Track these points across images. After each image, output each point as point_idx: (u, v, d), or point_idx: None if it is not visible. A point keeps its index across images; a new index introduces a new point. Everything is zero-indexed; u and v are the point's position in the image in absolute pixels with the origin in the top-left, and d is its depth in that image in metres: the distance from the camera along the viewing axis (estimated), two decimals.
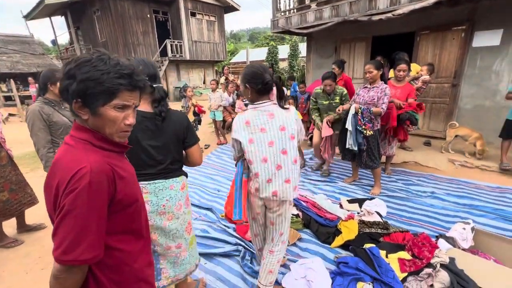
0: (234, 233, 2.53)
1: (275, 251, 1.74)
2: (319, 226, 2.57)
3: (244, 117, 1.57)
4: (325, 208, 2.77)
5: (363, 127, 3.07)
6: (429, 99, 4.95)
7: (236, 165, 1.69)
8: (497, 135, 3.73)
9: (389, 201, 3.12)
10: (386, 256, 2.04)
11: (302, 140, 1.73)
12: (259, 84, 1.51)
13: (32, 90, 9.60)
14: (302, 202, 2.87)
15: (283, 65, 19.48)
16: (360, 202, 3.07)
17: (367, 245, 2.20)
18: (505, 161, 3.61)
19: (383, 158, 4.03)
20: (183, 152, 1.54)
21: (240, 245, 2.37)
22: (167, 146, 1.41)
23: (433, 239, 2.22)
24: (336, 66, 4.34)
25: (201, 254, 2.30)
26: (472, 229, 2.20)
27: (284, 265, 2.14)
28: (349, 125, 3.14)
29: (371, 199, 3.13)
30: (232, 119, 6.20)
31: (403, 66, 3.50)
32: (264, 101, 1.55)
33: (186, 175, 1.61)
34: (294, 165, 1.60)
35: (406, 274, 1.88)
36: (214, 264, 2.21)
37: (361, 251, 2.09)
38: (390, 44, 6.01)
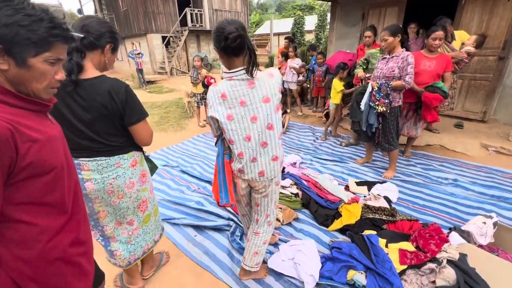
0: (229, 208, 2.45)
1: (260, 233, 1.63)
2: (319, 207, 2.40)
3: (219, 89, 1.31)
4: (327, 189, 2.58)
5: (376, 103, 2.72)
6: (467, 75, 4.30)
7: (216, 144, 1.52)
8: None
9: (403, 186, 2.84)
10: (386, 246, 1.85)
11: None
12: (221, 40, 1.19)
13: None
14: (303, 181, 2.70)
15: (310, 37, 18.26)
16: (370, 185, 2.82)
17: (366, 232, 2.02)
18: None
19: (404, 139, 3.65)
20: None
21: (233, 220, 2.30)
22: (98, 121, 1.23)
23: (445, 232, 1.97)
24: (371, 31, 3.89)
25: (192, 226, 2.28)
26: (495, 224, 1.91)
27: (275, 244, 2.04)
28: (362, 105, 2.80)
29: (382, 182, 2.87)
30: None
31: (439, 33, 2.94)
32: (241, 68, 1.26)
33: (141, 150, 1.46)
34: (279, 140, 1.42)
35: (405, 266, 1.69)
36: (204, 237, 2.17)
37: (358, 238, 1.91)
38: (428, 10, 5.21)
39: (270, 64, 7.08)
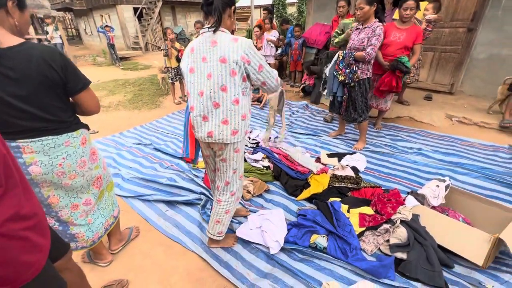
0: (201, 183, 2.47)
1: (222, 201, 1.66)
2: (289, 179, 2.47)
3: (191, 44, 1.44)
4: (297, 161, 2.64)
5: (339, 72, 2.75)
6: (438, 47, 4.38)
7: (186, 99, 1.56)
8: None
9: (371, 157, 2.96)
10: (348, 211, 1.96)
11: (276, 84, 1.48)
12: (203, 0, 1.35)
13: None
14: (275, 154, 2.74)
15: (292, 10, 17.63)
16: (340, 156, 2.92)
17: (331, 199, 2.11)
18: (508, 118, 3.29)
19: (375, 112, 3.75)
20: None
21: (204, 194, 2.33)
22: (39, 94, 1.11)
23: (403, 196, 2.10)
24: (345, 1, 3.82)
25: (164, 202, 2.29)
26: (447, 186, 2.05)
27: (246, 217, 2.09)
28: (326, 72, 2.82)
29: (352, 154, 2.97)
30: None
31: (410, 2, 2.93)
32: (208, 26, 1.37)
33: (87, 128, 1.40)
34: (235, 106, 1.41)
35: (364, 228, 1.81)
36: (175, 211, 2.19)
37: (322, 205, 2.00)
38: None
39: (248, 37, 6.83)
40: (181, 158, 2.99)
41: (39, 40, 9.02)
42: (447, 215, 1.92)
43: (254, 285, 1.55)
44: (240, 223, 2.02)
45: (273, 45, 5.17)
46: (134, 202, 2.31)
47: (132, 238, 1.91)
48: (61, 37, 9.04)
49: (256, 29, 5.28)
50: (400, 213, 1.80)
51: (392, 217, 1.80)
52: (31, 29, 9.51)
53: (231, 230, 1.94)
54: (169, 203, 2.28)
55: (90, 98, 1.28)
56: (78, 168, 1.33)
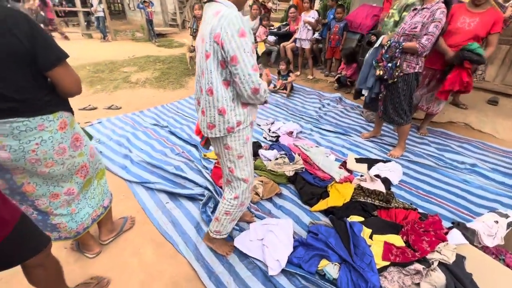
0: (208, 176, 2.26)
1: (225, 199, 1.46)
2: (306, 184, 2.15)
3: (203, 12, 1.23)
4: (317, 164, 2.30)
5: (380, 64, 2.25)
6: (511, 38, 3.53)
7: None
8: None
9: (410, 168, 2.49)
10: (371, 237, 1.60)
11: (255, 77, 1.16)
12: None
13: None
14: (293, 153, 2.41)
15: None
16: (371, 163, 2.50)
17: (353, 218, 1.77)
18: None
19: (422, 114, 3.18)
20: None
21: (209, 190, 2.12)
22: (1, 69, 0.94)
23: (446, 227, 1.68)
24: None
25: (166, 193, 2.13)
26: (510, 224, 1.58)
27: (249, 223, 1.85)
28: (366, 59, 2.34)
29: (386, 161, 2.53)
30: None
31: None
32: None
33: (69, 111, 1.21)
34: (209, 97, 1.18)
35: (388, 263, 1.45)
36: (175, 205, 2.02)
37: (339, 224, 1.67)
38: None
39: (285, 18, 6.30)
40: (194, 145, 2.81)
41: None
42: (503, 261, 1.48)
43: None
44: (242, 230, 1.79)
45: (310, 28, 4.66)
46: (137, 189, 2.19)
47: (125, 229, 1.79)
48: (103, 11, 9.31)
49: (292, 9, 4.79)
50: (440, 253, 1.41)
51: (428, 256, 1.42)
52: (77, 1, 9.91)
53: (230, 238, 1.72)
54: (171, 194, 2.12)
55: (66, 76, 1.07)
56: (56, 155, 1.16)
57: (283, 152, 2.44)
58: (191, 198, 2.08)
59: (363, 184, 2.09)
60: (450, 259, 1.38)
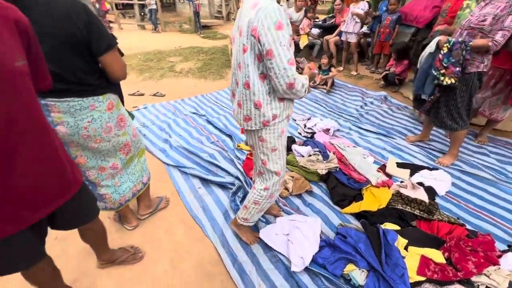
0: (240, 167, 2.30)
1: (256, 189, 1.48)
2: (338, 184, 2.06)
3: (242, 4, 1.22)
4: (353, 165, 2.18)
5: (442, 71, 1.97)
6: None
7: None
8: None
9: (461, 179, 2.23)
10: (406, 248, 1.49)
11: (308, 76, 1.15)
12: None
13: None
14: (328, 151, 2.32)
15: None
16: (414, 169, 2.29)
17: (387, 225, 1.65)
18: None
19: (482, 120, 2.80)
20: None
21: (239, 180, 2.16)
22: (58, 53, 1.04)
23: (500, 250, 1.47)
24: None
25: (199, 178, 2.23)
26: None
27: (276, 217, 1.84)
28: (419, 64, 2.10)
29: (432, 169, 2.30)
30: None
31: None
32: None
33: (116, 93, 1.32)
34: (246, 90, 1.18)
35: (423, 278, 1.33)
36: (207, 191, 2.10)
37: (371, 230, 1.57)
38: None
39: (331, 10, 6.01)
40: (228, 135, 2.88)
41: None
42: None
43: None
44: (268, 222, 1.79)
45: (358, 20, 4.37)
46: (173, 172, 2.33)
47: (160, 208, 1.92)
48: (156, 4, 9.90)
49: (338, 1, 4.53)
50: (488, 277, 1.25)
51: (473, 279, 1.26)
52: None
53: (256, 229, 1.74)
54: (204, 180, 2.21)
55: (114, 61, 1.18)
56: (103, 133, 1.30)
57: (317, 149, 2.37)
58: (222, 186, 2.15)
59: (403, 190, 1.93)
60: (501, 286, 1.21)
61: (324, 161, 2.23)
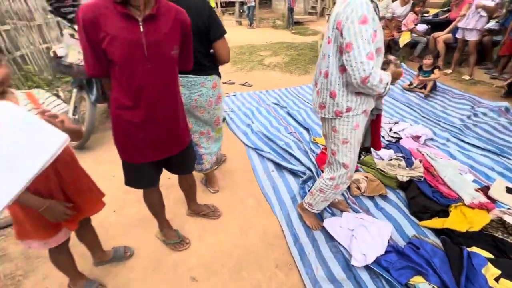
0: (313, 159, 2.37)
1: (323, 178, 1.55)
2: (419, 195, 1.88)
3: None
4: (443, 178, 1.93)
5: None
6: None
7: None
8: None
9: None
10: (497, 280, 1.28)
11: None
12: None
13: None
14: (413, 158, 2.12)
15: None
16: None
17: (475, 249, 1.44)
18: None
19: None
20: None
21: (310, 170, 2.23)
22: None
23: None
24: None
25: (273, 162, 2.42)
26: None
27: (344, 212, 1.85)
28: None
29: None
30: (391, 39, 4.83)
31: None
32: None
33: (219, 76, 1.63)
34: (325, 79, 1.27)
35: None
36: (279, 175, 2.27)
37: (452, 248, 1.41)
38: None
39: (448, 3, 5.14)
40: (306, 128, 2.96)
41: None
42: None
43: (317, 282, 1.42)
44: (333, 215, 1.82)
45: (484, 14, 3.63)
46: (251, 153, 2.59)
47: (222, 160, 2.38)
48: (255, 1, 10.59)
49: None
50: None
51: None
52: None
53: (321, 217, 1.80)
54: (277, 165, 2.39)
55: (223, 47, 1.49)
56: (206, 105, 1.64)
57: (400, 154, 2.19)
58: (293, 173, 2.27)
59: (507, 218, 1.61)
60: None
61: (407, 168, 2.06)
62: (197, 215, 1.85)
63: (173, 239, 1.62)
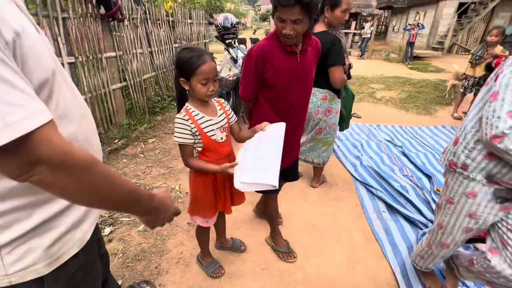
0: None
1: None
2: None
3: None
4: None
5: None
6: None
7: None
8: None
9: None
10: None
11: None
12: None
13: None
14: None
15: None
16: None
17: None
18: None
19: None
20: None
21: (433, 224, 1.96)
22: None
23: None
24: None
25: (385, 203, 2.27)
26: None
27: None
28: None
29: None
30: None
31: None
32: None
33: (336, 94, 1.94)
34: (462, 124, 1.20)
35: None
36: (391, 218, 2.10)
37: None
38: None
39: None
40: (427, 175, 2.64)
41: None
42: None
43: None
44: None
45: None
46: (359, 186, 2.50)
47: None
48: (371, 33, 10.40)
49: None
50: None
51: None
52: (352, 25, 11.77)
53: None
54: (389, 206, 2.22)
55: (335, 73, 1.74)
56: (314, 113, 1.99)
57: None
58: (409, 220, 2.06)
59: None
60: None
61: None
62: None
63: (283, 248, 1.72)
